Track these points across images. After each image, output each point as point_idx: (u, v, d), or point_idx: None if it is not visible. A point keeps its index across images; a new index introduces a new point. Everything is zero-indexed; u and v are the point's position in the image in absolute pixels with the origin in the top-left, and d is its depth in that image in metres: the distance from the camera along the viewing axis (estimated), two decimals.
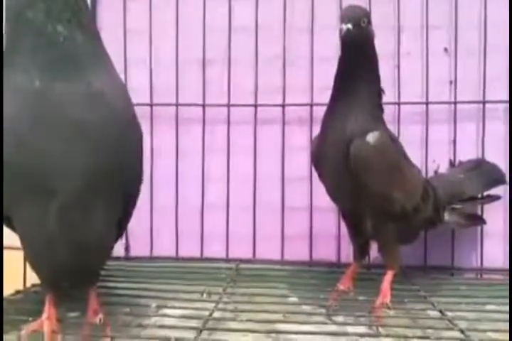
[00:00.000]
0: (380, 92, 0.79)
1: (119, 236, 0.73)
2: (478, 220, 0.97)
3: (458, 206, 0.92)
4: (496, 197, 0.96)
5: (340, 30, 0.72)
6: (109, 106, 0.58)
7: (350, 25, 0.71)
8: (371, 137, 0.74)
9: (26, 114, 0.55)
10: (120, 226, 0.68)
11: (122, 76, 0.98)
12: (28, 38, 0.56)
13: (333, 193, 0.82)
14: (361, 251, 0.85)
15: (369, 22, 0.75)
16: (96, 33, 0.62)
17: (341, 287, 0.84)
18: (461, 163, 0.99)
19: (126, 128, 0.61)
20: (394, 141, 0.81)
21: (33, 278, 0.75)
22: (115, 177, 0.60)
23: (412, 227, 0.84)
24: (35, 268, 0.63)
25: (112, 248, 0.69)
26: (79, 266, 0.62)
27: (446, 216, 0.90)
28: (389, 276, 0.79)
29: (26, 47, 0.56)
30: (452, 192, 0.91)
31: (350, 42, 0.73)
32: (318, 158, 0.81)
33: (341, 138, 0.75)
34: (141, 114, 0.96)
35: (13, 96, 0.56)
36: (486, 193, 0.97)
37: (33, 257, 0.63)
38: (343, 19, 0.72)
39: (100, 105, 0.57)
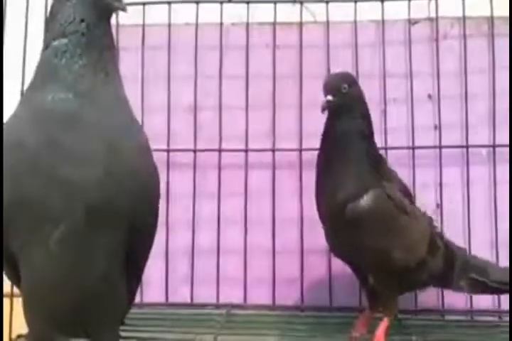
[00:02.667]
0: (374, 145, 0.80)
1: (133, 284, 0.66)
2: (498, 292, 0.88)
3: (482, 279, 0.83)
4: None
5: (322, 102, 0.77)
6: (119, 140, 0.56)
7: (329, 97, 0.76)
8: (365, 200, 0.74)
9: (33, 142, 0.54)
10: (133, 273, 0.62)
11: None
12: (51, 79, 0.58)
13: (334, 250, 0.83)
14: (370, 297, 0.84)
15: (351, 84, 0.78)
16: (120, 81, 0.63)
17: (356, 334, 0.82)
18: None
19: (137, 164, 0.58)
20: (398, 191, 0.79)
21: (18, 329, 0.74)
22: (121, 214, 0.56)
23: (419, 282, 0.81)
24: (32, 317, 0.58)
25: (123, 299, 0.62)
26: (79, 312, 0.57)
27: (462, 282, 0.83)
28: (385, 323, 0.79)
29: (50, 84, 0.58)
30: (477, 264, 0.85)
31: (334, 111, 0.77)
32: (322, 215, 0.81)
33: (336, 199, 0.75)
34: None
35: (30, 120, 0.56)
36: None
37: (31, 303, 0.58)
38: (323, 91, 0.77)
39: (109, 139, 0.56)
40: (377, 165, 0.79)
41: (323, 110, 0.77)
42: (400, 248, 0.76)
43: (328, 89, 0.77)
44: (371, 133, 0.81)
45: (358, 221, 0.74)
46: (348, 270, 0.86)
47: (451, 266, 0.82)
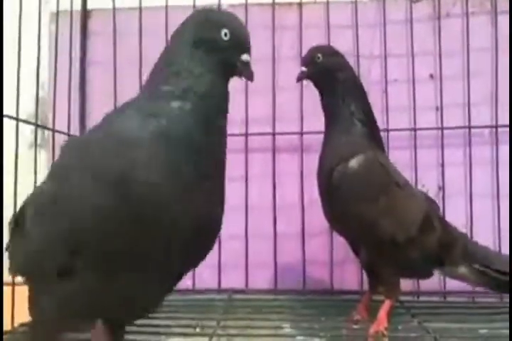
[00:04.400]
0: (368, 112, 0.80)
1: None
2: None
3: (482, 268, 0.80)
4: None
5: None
6: None
7: (303, 68, 0.79)
8: (354, 162, 0.73)
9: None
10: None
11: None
12: None
13: (330, 222, 0.82)
14: (371, 277, 0.82)
15: (326, 55, 0.80)
16: None
17: (357, 316, 0.82)
18: None
19: None
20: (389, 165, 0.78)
21: (20, 318, 0.74)
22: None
23: (411, 261, 0.77)
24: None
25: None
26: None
27: (463, 269, 0.80)
28: (386, 305, 0.78)
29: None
30: (474, 253, 0.81)
31: (312, 80, 0.80)
32: (318, 186, 0.81)
33: (327, 165, 0.76)
34: None
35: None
36: None
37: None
38: (300, 62, 0.81)
39: None
40: (371, 132, 0.79)
41: (297, 80, 0.80)
42: (387, 219, 0.73)
43: (303, 60, 0.81)
44: (361, 99, 0.80)
45: (346, 184, 0.73)
46: (350, 254, 0.86)
47: (449, 251, 0.79)
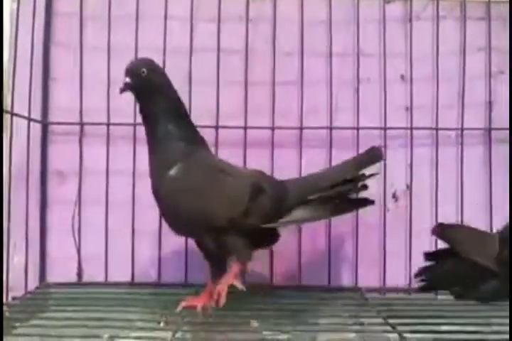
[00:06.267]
0: (187, 125, 0.83)
1: None
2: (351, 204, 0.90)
3: (312, 197, 0.86)
4: (371, 174, 0.89)
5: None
6: None
7: (127, 79, 0.81)
8: (168, 176, 0.79)
9: None
10: None
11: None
12: None
13: (173, 226, 0.84)
14: (215, 267, 0.85)
15: (151, 71, 0.82)
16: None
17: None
18: None
19: None
20: (207, 165, 0.82)
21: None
22: None
23: (255, 229, 0.82)
24: None
25: None
26: None
27: (300, 211, 0.86)
28: (236, 268, 0.81)
29: None
30: (307, 184, 0.89)
31: (137, 94, 0.82)
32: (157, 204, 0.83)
33: (153, 177, 0.81)
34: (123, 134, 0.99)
35: None
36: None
37: None
38: (125, 73, 0.81)
39: None
40: (190, 140, 0.83)
41: (120, 92, 0.81)
42: (221, 202, 0.80)
43: (127, 71, 0.82)
44: (182, 114, 0.84)
45: (171, 188, 0.79)
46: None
47: (281, 199, 0.85)
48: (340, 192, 0.87)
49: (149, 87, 0.81)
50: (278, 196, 0.84)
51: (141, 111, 0.83)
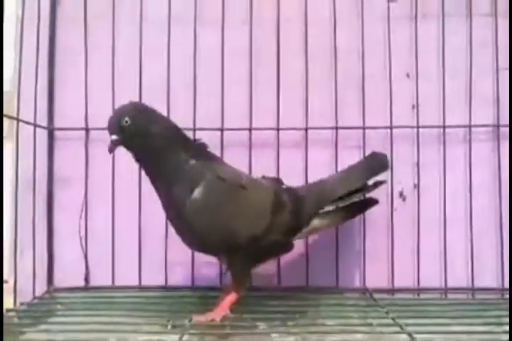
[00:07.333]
0: (191, 145, 0.80)
1: None
2: (361, 207, 0.93)
3: (331, 208, 0.90)
4: (379, 183, 0.93)
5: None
6: None
7: (113, 136, 0.76)
8: (192, 200, 0.76)
9: None
10: None
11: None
12: None
13: (194, 247, 0.85)
14: None
15: (135, 115, 0.76)
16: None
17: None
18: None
19: None
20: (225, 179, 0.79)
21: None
22: None
23: (274, 241, 0.82)
24: None
25: None
26: None
27: (316, 221, 0.88)
28: (233, 297, 0.80)
29: None
30: (323, 194, 0.89)
31: (126, 146, 0.77)
32: (171, 222, 0.84)
33: (175, 202, 0.77)
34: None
35: None
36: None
37: None
38: (108, 129, 0.77)
39: None
40: (200, 158, 0.80)
41: (109, 152, 0.77)
42: (242, 220, 0.79)
43: (110, 128, 0.77)
44: (182, 139, 0.80)
45: (198, 209, 0.76)
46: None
47: (300, 212, 0.85)
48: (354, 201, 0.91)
49: (138, 134, 0.76)
50: (297, 209, 0.84)
51: (137, 155, 0.78)
